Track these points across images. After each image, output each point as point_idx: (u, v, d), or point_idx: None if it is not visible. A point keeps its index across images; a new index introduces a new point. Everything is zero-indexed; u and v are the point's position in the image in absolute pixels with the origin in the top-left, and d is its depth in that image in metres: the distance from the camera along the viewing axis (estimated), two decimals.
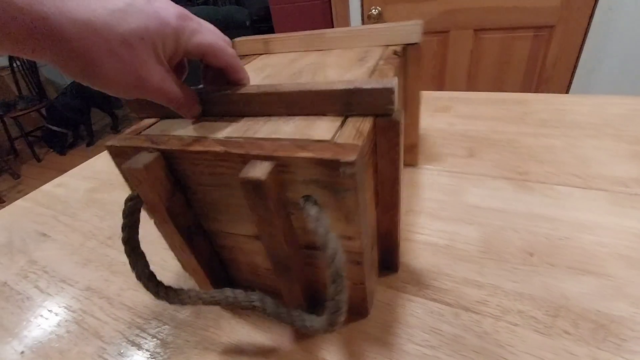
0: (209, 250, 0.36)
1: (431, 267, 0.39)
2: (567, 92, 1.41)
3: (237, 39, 0.52)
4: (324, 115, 0.29)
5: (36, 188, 0.69)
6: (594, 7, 1.21)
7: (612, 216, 0.41)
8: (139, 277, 0.32)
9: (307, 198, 0.26)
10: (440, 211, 0.46)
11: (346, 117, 0.28)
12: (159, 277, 0.33)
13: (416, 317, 0.34)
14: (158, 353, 0.35)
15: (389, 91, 0.26)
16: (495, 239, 0.41)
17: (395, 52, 0.41)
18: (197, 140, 0.29)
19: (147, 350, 0.36)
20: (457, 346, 0.31)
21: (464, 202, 0.47)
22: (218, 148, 0.27)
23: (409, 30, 0.43)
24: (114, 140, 0.31)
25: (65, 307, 0.42)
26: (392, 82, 0.26)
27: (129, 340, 0.37)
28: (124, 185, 0.64)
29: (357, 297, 0.34)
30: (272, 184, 0.25)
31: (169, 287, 0.32)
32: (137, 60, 0.24)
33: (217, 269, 0.38)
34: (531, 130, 0.60)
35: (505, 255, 0.39)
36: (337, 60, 0.42)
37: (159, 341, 0.36)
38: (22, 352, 0.38)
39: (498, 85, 1.51)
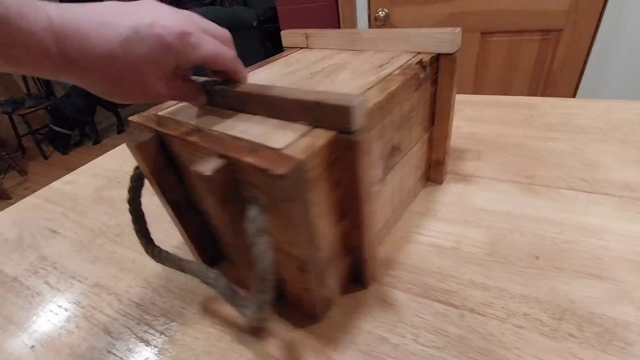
0: (199, 226, 0.40)
1: (437, 269, 0.39)
2: (574, 95, 1.40)
3: (284, 32, 0.54)
4: (297, 122, 0.29)
5: (43, 185, 0.70)
6: (602, 11, 1.21)
7: (618, 221, 0.41)
8: (137, 231, 0.37)
9: (253, 199, 0.27)
10: (446, 213, 0.46)
11: (313, 128, 0.28)
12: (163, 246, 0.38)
13: (422, 317, 0.34)
14: (166, 349, 0.36)
15: (347, 109, 0.26)
16: (502, 242, 0.41)
17: (420, 62, 0.39)
18: (184, 127, 0.33)
19: (155, 346, 0.36)
20: (463, 347, 0.31)
21: (471, 205, 0.47)
22: (193, 138, 0.30)
23: (443, 38, 0.40)
24: (134, 117, 0.37)
25: (75, 303, 0.43)
26: (354, 100, 0.25)
27: (137, 337, 0.37)
28: None
29: (307, 301, 0.35)
30: (219, 180, 0.27)
31: (155, 246, 0.38)
32: (145, 79, 0.28)
33: (206, 243, 0.42)
34: (538, 133, 0.60)
35: (512, 258, 0.39)
36: (360, 63, 0.42)
37: (167, 338, 0.37)
38: (33, 347, 0.38)
39: (505, 88, 1.51)
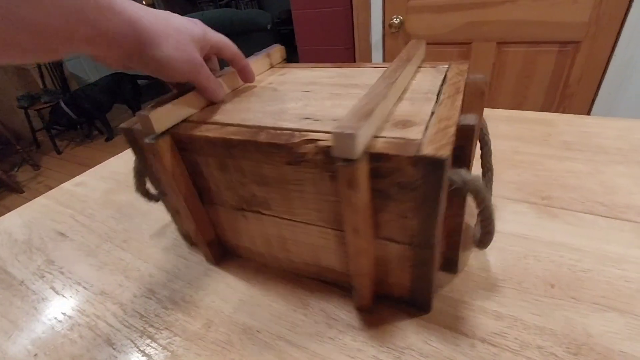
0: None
1: (446, 293, 0.38)
2: (589, 110, 1.38)
3: None
4: None
5: (55, 179, 0.71)
6: (622, 24, 1.18)
7: (639, 250, 0.40)
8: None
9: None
10: None
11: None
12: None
13: (430, 345, 0.33)
14: None
15: None
16: (516, 267, 0.40)
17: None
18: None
19: None
20: None
21: None
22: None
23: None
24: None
25: (79, 311, 0.43)
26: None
27: (139, 350, 0.37)
28: None
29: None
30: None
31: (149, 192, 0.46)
32: (187, 44, 0.34)
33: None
34: (555, 152, 0.58)
35: (526, 284, 0.37)
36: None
37: (169, 353, 0.36)
38: (36, 355, 0.38)
39: (519, 99, 1.48)
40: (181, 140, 0.36)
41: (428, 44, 1.56)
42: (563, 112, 1.42)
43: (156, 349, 0.37)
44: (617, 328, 0.32)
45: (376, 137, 0.28)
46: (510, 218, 0.46)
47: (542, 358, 0.31)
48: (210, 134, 0.34)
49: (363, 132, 0.26)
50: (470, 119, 0.29)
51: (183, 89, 0.39)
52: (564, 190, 0.50)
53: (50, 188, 0.71)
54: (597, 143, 0.59)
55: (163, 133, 0.35)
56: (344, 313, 0.38)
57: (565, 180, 0.52)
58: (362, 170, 0.27)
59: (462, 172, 0.29)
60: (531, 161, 0.57)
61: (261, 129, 0.33)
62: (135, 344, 0.37)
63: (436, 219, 0.28)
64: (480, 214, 0.32)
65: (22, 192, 2.60)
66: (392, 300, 0.38)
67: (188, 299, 0.42)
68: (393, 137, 0.28)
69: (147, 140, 0.34)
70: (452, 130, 0.27)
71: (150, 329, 0.39)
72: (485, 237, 0.34)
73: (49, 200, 0.66)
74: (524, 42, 1.37)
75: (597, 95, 1.34)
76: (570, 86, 1.36)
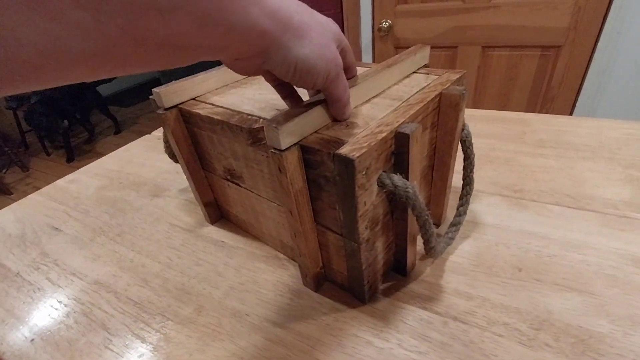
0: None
1: (424, 277, 0.41)
2: (571, 111, 1.42)
3: None
4: None
5: (44, 181, 0.72)
6: (600, 29, 1.23)
7: (600, 237, 0.43)
8: None
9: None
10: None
11: None
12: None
13: (406, 323, 0.36)
14: (161, 347, 0.37)
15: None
16: (487, 254, 0.43)
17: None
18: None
19: (150, 343, 0.38)
20: (444, 353, 0.33)
21: None
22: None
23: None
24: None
25: (74, 299, 0.44)
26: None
27: (134, 333, 0.39)
28: (133, 185, 0.67)
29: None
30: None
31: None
32: (330, 42, 0.29)
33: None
34: (529, 149, 0.61)
35: (495, 269, 0.40)
36: None
37: (162, 335, 0.38)
38: (33, 340, 0.40)
39: (504, 101, 1.53)
40: (184, 114, 0.44)
41: None
42: (546, 113, 1.46)
43: (150, 332, 0.39)
44: (575, 305, 0.36)
45: (316, 132, 0.32)
46: (484, 210, 0.49)
47: (508, 333, 0.34)
48: (202, 112, 0.40)
49: (289, 128, 0.29)
50: (408, 128, 0.30)
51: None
52: (535, 184, 0.53)
53: (40, 189, 0.72)
54: (569, 141, 0.62)
55: (172, 107, 0.43)
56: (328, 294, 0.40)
57: (537, 174, 0.55)
58: (292, 159, 0.30)
59: (395, 177, 0.31)
60: (506, 157, 0.60)
61: (238, 113, 0.39)
62: (130, 328, 0.40)
63: (355, 214, 0.30)
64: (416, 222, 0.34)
65: (11, 193, 2.58)
66: (337, 285, 0.41)
67: (180, 287, 0.44)
68: (329, 135, 0.31)
69: (158, 112, 0.43)
70: (383, 136, 0.29)
71: (143, 315, 0.41)
72: (425, 245, 0.36)
73: (42, 197, 0.68)
74: (508, 46, 1.42)
75: (578, 97, 1.39)
76: (553, 89, 1.41)
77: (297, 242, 0.37)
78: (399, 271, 0.42)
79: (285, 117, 0.29)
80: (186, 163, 0.48)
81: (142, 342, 0.38)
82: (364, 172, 0.29)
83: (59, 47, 0.16)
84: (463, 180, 0.43)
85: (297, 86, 0.31)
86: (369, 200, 0.31)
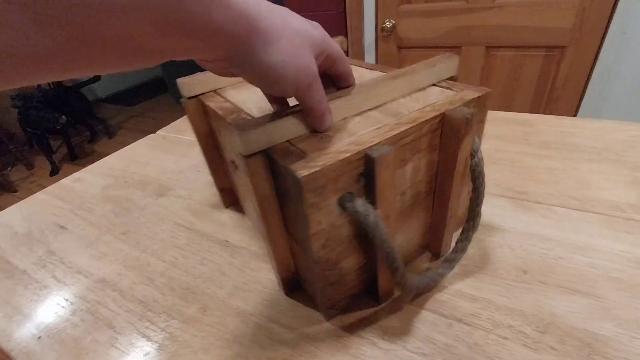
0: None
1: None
2: (575, 112, 1.42)
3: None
4: None
5: (48, 179, 0.73)
6: (605, 30, 1.23)
7: (605, 239, 0.43)
8: None
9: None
10: None
11: None
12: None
13: (411, 325, 0.36)
14: (166, 345, 0.37)
15: None
16: (492, 255, 0.43)
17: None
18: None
19: (156, 342, 0.38)
20: (448, 355, 0.33)
21: None
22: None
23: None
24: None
25: (80, 297, 0.45)
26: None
27: (139, 332, 0.39)
28: (138, 184, 0.67)
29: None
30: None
31: None
32: (304, 50, 0.27)
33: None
34: (534, 150, 0.61)
35: (500, 271, 0.40)
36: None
37: (167, 334, 0.39)
38: (40, 337, 0.40)
39: (507, 102, 1.53)
40: (202, 105, 0.46)
41: (418, 47, 1.60)
42: (550, 114, 1.46)
43: (155, 331, 0.39)
44: (581, 308, 0.36)
45: (289, 141, 0.30)
46: (488, 211, 0.49)
47: (512, 335, 0.34)
48: (211, 105, 0.43)
49: (254, 135, 0.28)
50: (378, 151, 0.28)
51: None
52: (540, 186, 0.53)
53: (44, 187, 0.72)
54: (573, 142, 0.62)
55: (193, 97, 0.46)
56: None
57: (541, 176, 0.55)
58: (255, 166, 0.30)
59: (359, 201, 0.29)
60: (511, 159, 0.60)
61: (238, 111, 0.40)
62: (135, 327, 0.40)
63: (307, 232, 0.29)
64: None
65: (16, 191, 2.59)
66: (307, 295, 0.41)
67: (185, 286, 0.44)
68: (297, 147, 0.30)
69: (181, 100, 0.46)
70: (345, 156, 0.27)
71: (149, 313, 0.41)
72: (393, 276, 0.32)
73: (48, 196, 0.68)
74: (512, 46, 1.41)
75: (582, 98, 1.38)
76: (557, 89, 1.41)
77: (267, 244, 0.37)
78: (371, 297, 0.39)
79: (253, 124, 0.29)
80: (203, 150, 0.51)
81: (148, 341, 0.38)
82: (316, 192, 0.27)
83: None
84: (468, 213, 0.38)
85: (268, 93, 0.30)
86: (325, 220, 0.29)
